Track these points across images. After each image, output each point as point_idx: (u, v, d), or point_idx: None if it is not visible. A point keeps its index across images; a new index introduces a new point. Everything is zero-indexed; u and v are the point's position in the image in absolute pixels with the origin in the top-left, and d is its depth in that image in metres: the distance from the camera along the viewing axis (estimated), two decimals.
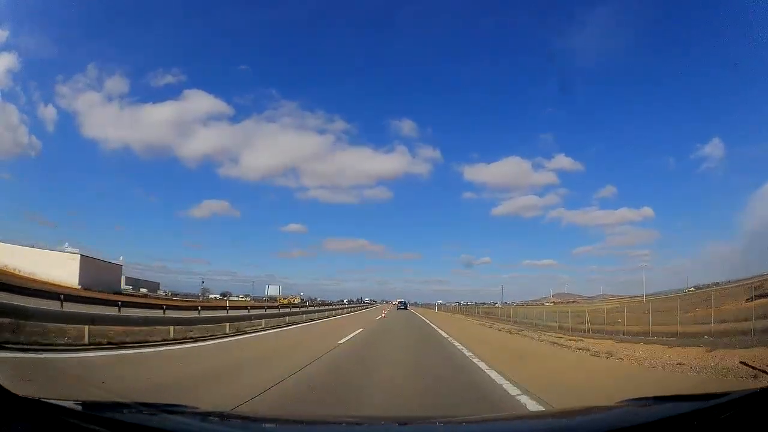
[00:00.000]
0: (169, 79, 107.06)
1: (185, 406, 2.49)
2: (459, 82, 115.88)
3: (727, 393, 1.99)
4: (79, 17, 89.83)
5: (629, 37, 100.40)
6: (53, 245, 56.35)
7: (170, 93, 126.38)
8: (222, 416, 2.87)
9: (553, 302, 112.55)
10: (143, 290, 69.45)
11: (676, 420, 1.82)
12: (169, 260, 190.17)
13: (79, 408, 1.89)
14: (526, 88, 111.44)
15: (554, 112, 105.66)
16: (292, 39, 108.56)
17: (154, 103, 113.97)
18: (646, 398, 2.43)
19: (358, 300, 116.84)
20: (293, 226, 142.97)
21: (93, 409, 1.93)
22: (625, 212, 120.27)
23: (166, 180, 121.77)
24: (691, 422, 1.76)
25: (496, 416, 4.41)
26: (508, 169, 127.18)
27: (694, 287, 71.32)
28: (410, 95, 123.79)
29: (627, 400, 2.51)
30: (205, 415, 2.47)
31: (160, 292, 75.04)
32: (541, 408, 5.15)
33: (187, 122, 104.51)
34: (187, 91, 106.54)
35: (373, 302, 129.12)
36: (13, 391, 1.80)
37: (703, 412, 1.85)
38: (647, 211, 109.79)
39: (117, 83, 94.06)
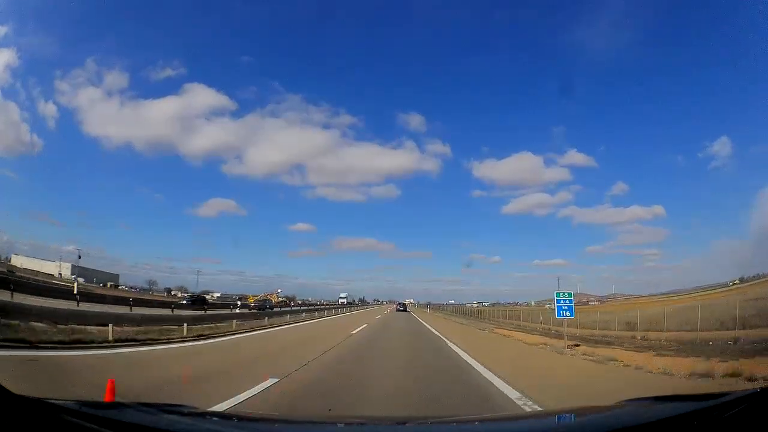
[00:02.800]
0: (168, 72, 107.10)
1: (185, 406, 2.50)
2: (468, 75, 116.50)
3: (727, 393, 1.99)
4: (76, 10, 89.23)
5: (638, 34, 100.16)
6: (60, 244, 54.73)
7: (170, 87, 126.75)
8: (222, 416, 2.87)
9: (598, 301, 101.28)
10: (80, 279, 60.94)
11: (676, 420, 1.82)
12: (179, 260, 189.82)
13: (79, 408, 1.88)
14: (537, 82, 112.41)
15: (566, 106, 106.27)
16: (295, 29, 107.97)
17: (154, 98, 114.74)
18: (646, 398, 2.43)
19: (352, 300, 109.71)
20: (301, 226, 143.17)
21: (93, 408, 1.93)
22: (636, 210, 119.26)
23: (171, 178, 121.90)
24: (691, 422, 1.76)
25: (496, 416, 4.42)
26: (519, 165, 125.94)
27: (738, 280, 67.02)
28: (418, 88, 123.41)
29: (627, 400, 2.51)
30: (205, 415, 2.47)
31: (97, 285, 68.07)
32: (542, 408, 5.15)
33: (188, 117, 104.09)
34: (187, 85, 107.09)
35: (378, 302, 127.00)
36: None
37: (703, 412, 1.86)
38: (658, 209, 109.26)
39: (116, 78, 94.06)
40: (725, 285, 65.20)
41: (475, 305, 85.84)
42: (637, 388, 7.09)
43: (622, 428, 1.94)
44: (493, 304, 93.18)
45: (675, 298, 61.36)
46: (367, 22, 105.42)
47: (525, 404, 5.41)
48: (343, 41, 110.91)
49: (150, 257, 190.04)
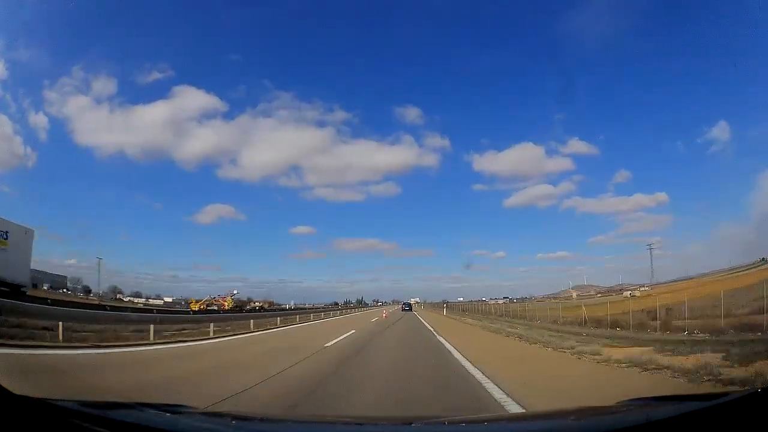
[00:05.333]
0: (156, 75, 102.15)
1: (185, 406, 2.51)
2: (465, 65, 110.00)
3: (727, 393, 1.99)
4: (59, 17, 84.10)
5: (635, 20, 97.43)
6: (61, 259, 52.09)
7: (159, 91, 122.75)
8: (222, 416, 2.88)
9: (650, 287, 77.76)
10: None
11: (677, 420, 1.82)
12: (180, 269, 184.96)
13: (80, 408, 1.89)
14: (536, 70, 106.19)
15: (566, 94, 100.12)
16: (283, 24, 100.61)
17: (144, 103, 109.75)
18: (646, 398, 2.43)
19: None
20: (301, 228, 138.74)
21: (93, 409, 1.93)
22: (639, 198, 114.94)
23: (167, 185, 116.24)
24: (691, 422, 1.76)
25: (497, 416, 4.42)
26: (520, 155, 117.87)
27: (763, 258, 58.73)
28: (413, 80, 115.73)
29: (627, 400, 2.51)
30: (205, 415, 2.48)
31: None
32: (542, 408, 5.13)
33: (179, 121, 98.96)
34: (176, 88, 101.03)
35: (377, 302, 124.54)
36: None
37: (704, 412, 1.85)
38: (661, 196, 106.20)
39: (103, 84, 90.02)
40: (749, 266, 57.93)
41: (501, 301, 70.21)
42: None
43: (622, 428, 1.94)
44: (523, 299, 78.62)
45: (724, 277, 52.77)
46: (357, 13, 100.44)
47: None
48: (333, 35, 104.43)
49: (152, 268, 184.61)
